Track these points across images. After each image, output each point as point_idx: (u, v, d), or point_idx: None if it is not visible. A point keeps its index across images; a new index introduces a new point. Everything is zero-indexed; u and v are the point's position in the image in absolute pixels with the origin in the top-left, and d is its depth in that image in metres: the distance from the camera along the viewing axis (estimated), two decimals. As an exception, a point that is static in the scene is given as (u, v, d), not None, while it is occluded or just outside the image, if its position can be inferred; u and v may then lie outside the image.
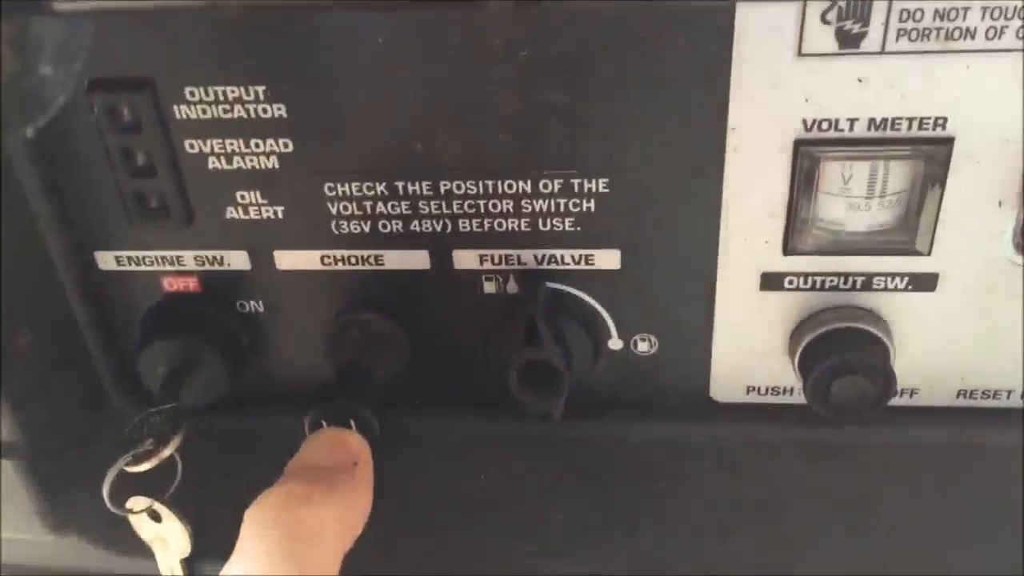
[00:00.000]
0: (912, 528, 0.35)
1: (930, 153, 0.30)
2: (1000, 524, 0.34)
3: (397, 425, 0.36)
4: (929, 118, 0.30)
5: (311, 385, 0.36)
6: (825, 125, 0.30)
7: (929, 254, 0.32)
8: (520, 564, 0.35)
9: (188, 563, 0.37)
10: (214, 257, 0.35)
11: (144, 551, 0.37)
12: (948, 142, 0.30)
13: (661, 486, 0.36)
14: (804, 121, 0.30)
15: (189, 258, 0.35)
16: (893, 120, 0.30)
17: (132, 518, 0.35)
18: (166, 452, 0.34)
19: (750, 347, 0.36)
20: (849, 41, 0.28)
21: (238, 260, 0.35)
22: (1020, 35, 0.28)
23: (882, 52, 0.29)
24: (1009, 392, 0.36)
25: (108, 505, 0.34)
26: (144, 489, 0.35)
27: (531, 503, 0.36)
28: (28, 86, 0.16)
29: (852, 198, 0.32)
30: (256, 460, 0.38)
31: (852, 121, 0.30)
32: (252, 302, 0.36)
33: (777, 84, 0.30)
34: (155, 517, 0.35)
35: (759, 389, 0.37)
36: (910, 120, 0.30)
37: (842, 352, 0.33)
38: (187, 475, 0.36)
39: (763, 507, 0.36)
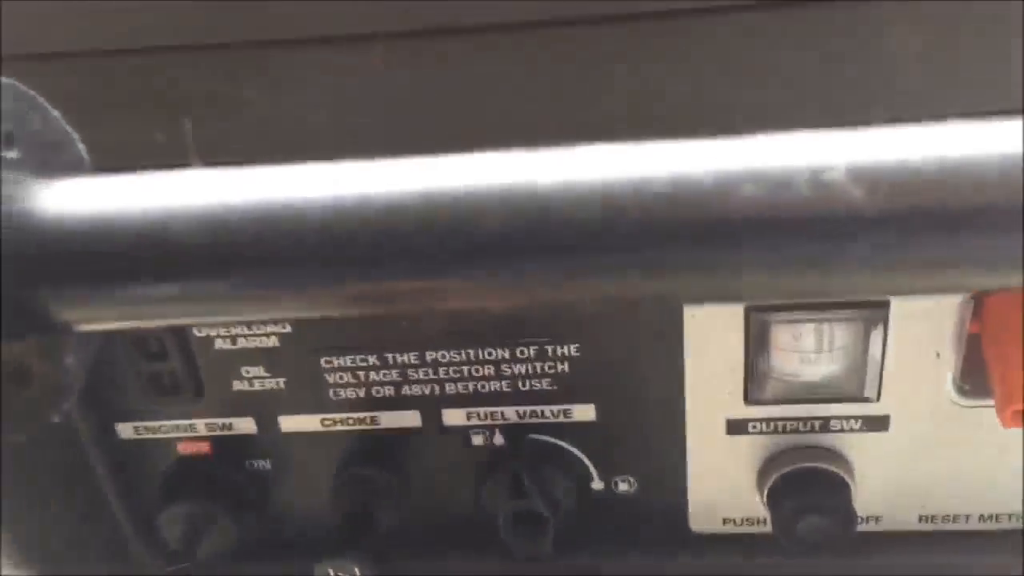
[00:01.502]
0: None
1: (868, 316, 0.33)
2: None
3: (399, 569, 0.39)
4: (864, 284, 0.33)
5: (317, 535, 0.39)
6: (771, 293, 0.33)
7: (878, 400, 0.35)
8: None
9: None
10: (223, 424, 0.38)
11: None
12: (884, 304, 0.33)
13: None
14: (752, 290, 0.33)
15: (201, 425, 0.38)
16: (832, 287, 0.33)
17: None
18: (184, 612, 0.37)
19: (723, 484, 0.38)
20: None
21: (245, 425, 0.38)
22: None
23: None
24: (967, 516, 0.38)
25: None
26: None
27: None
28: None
29: (803, 353, 0.35)
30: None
31: (795, 289, 0.33)
32: (260, 461, 0.39)
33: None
34: (177, 669, 0.38)
35: (735, 520, 0.39)
36: (847, 287, 0.33)
37: (804, 493, 0.36)
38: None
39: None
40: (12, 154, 0.18)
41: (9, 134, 0.18)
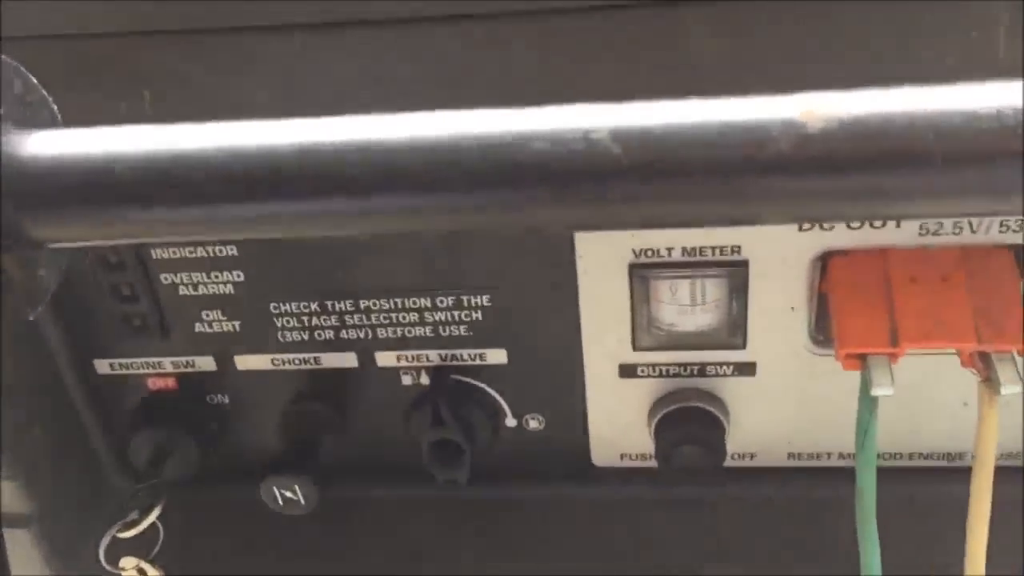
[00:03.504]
0: (754, 570, 0.43)
1: (731, 273, 0.39)
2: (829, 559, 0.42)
3: (337, 492, 0.44)
4: (727, 246, 0.38)
5: (268, 461, 0.45)
6: (650, 253, 0.39)
7: (744, 347, 0.41)
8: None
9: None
10: (186, 362, 0.44)
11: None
12: (744, 264, 0.39)
13: (549, 537, 0.44)
14: (633, 250, 0.39)
15: (167, 363, 0.44)
16: (700, 248, 0.39)
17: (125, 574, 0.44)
18: (148, 521, 0.43)
19: (619, 423, 0.44)
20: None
21: (206, 364, 0.44)
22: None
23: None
24: (829, 454, 0.44)
25: (104, 565, 0.42)
26: (136, 551, 0.44)
27: (444, 553, 0.45)
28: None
29: (680, 305, 0.40)
30: (226, 523, 0.47)
31: (670, 249, 0.39)
32: (219, 396, 0.45)
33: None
34: (143, 574, 0.44)
35: (631, 455, 0.45)
36: (712, 248, 0.38)
37: (682, 428, 0.42)
38: (169, 537, 0.44)
39: (636, 550, 0.44)
40: (-1, 111, 0.23)
41: (-3, 96, 0.23)
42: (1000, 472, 0.37)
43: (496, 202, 0.22)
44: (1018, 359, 0.36)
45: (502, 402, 0.44)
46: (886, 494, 0.40)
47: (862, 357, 0.37)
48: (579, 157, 0.21)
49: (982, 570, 0.37)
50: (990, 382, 0.37)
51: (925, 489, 0.43)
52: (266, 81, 0.33)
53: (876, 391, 0.36)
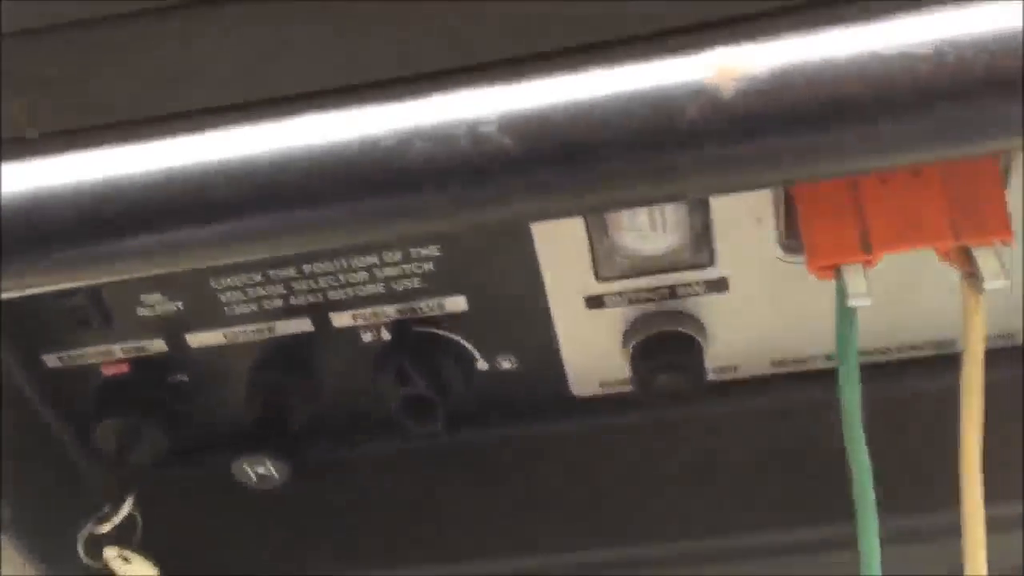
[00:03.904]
0: (747, 483, 0.42)
1: (688, 192, 0.36)
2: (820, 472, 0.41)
3: (315, 456, 0.43)
4: (681, 165, 0.36)
5: (237, 437, 0.43)
6: (600, 181, 0.36)
7: (713, 264, 0.39)
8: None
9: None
10: (136, 347, 0.42)
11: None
12: (701, 181, 0.36)
13: (537, 473, 0.43)
14: (582, 180, 0.36)
15: (117, 350, 0.42)
16: (653, 170, 0.36)
17: (110, 565, 0.43)
18: (123, 513, 0.42)
19: (594, 353, 0.42)
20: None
21: (157, 346, 0.42)
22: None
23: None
24: (815, 357, 0.42)
25: (86, 561, 0.42)
26: (117, 540, 0.43)
27: (435, 504, 0.44)
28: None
29: (641, 231, 0.38)
30: (201, 500, 0.46)
31: (621, 175, 0.36)
32: (178, 375, 0.43)
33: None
34: (127, 562, 0.43)
35: (610, 382, 0.44)
36: (666, 169, 0.36)
37: (659, 354, 0.40)
38: (150, 519, 0.43)
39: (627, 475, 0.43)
40: None
41: None
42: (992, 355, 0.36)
43: (381, 211, 0.19)
44: (1004, 250, 0.34)
45: (470, 347, 0.42)
46: (875, 391, 0.39)
47: (835, 267, 0.35)
48: (468, 155, 0.19)
49: (977, 471, 0.36)
50: (973, 278, 0.35)
51: (916, 383, 0.41)
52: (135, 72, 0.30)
53: (853, 302, 0.34)
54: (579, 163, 0.18)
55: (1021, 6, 0.18)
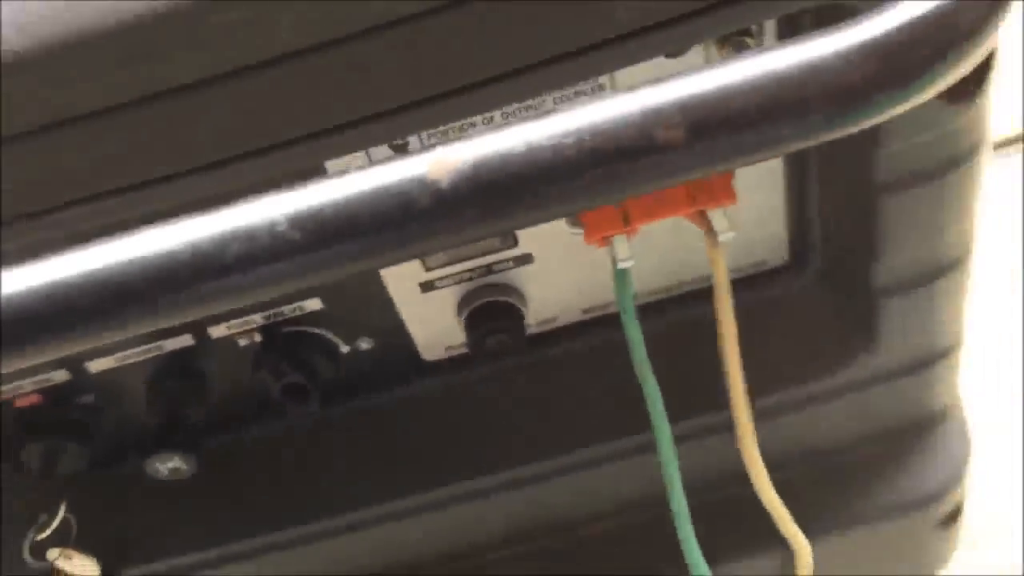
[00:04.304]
0: (570, 409, 0.51)
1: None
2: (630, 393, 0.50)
3: (216, 445, 0.51)
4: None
5: (147, 437, 0.51)
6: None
7: (518, 244, 0.47)
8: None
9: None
10: (43, 379, 0.49)
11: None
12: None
13: (402, 425, 0.52)
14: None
15: (27, 384, 0.49)
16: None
17: (55, 565, 0.51)
18: (58, 519, 0.49)
19: (435, 326, 0.51)
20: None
21: (61, 375, 0.49)
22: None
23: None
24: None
25: (32, 565, 0.49)
26: (57, 543, 0.51)
27: (316, 466, 0.52)
28: None
29: (453, 226, 0.46)
30: (123, 498, 0.53)
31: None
32: (85, 397, 0.50)
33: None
34: (69, 559, 0.51)
35: (454, 346, 0.52)
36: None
37: (485, 320, 0.49)
38: (82, 520, 0.51)
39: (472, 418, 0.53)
40: None
41: None
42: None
43: (210, 294, 0.27)
44: (731, 209, 0.44)
45: (330, 336, 0.50)
46: (662, 326, 0.49)
47: (606, 238, 0.44)
48: (269, 250, 0.26)
49: (739, 376, 0.46)
50: (711, 232, 0.44)
51: (694, 311, 0.51)
52: None
53: (622, 264, 0.44)
54: (347, 243, 0.26)
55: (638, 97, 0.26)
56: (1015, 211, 1.09)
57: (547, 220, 0.28)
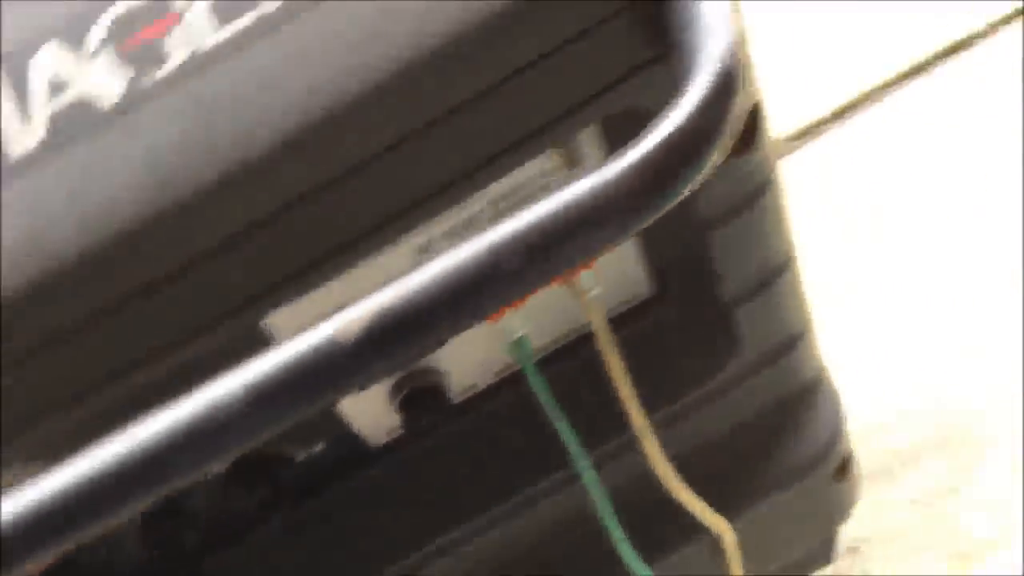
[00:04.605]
0: (504, 455, 0.60)
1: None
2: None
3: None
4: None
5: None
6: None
7: (428, 334, 0.55)
8: None
9: None
10: (44, 544, 0.55)
11: None
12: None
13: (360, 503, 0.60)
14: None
15: (29, 552, 0.55)
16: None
17: None
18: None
19: (374, 416, 0.58)
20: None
21: (59, 538, 0.55)
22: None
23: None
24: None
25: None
26: None
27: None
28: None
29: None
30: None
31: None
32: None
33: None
34: None
35: (394, 429, 0.60)
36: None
37: (409, 395, 0.57)
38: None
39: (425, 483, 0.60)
40: None
41: None
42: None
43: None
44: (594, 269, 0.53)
45: (286, 449, 0.58)
46: (565, 368, 0.57)
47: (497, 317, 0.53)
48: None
49: (636, 405, 0.55)
50: (582, 292, 0.53)
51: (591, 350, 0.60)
52: None
53: (514, 335, 0.52)
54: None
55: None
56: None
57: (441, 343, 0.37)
